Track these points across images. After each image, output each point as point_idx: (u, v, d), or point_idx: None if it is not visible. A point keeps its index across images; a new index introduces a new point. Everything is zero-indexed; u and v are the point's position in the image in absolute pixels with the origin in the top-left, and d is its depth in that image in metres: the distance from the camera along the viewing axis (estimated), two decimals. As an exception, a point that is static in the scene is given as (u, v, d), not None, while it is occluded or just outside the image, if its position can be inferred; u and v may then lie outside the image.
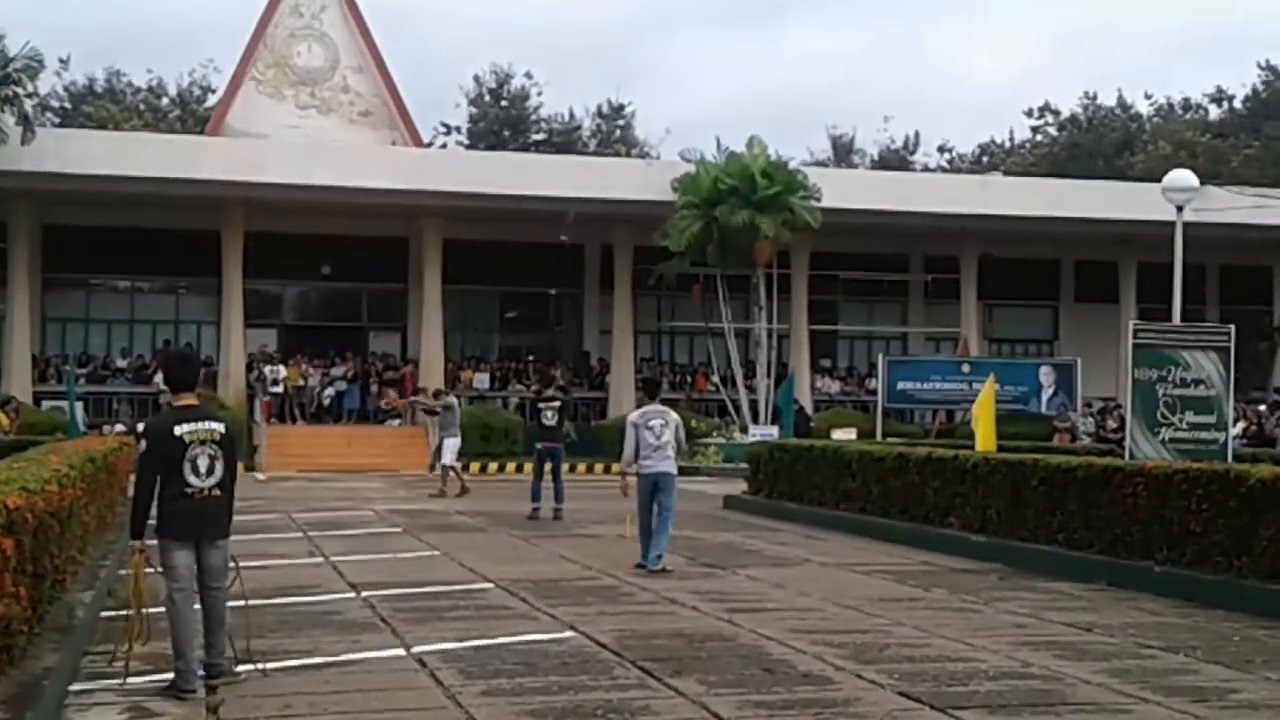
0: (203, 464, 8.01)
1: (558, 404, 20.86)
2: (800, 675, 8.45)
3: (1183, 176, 24.65)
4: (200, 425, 8.07)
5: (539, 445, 20.62)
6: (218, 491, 8.09)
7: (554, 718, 7.24)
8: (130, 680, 8.00)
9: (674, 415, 14.48)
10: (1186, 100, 67.29)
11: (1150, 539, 12.85)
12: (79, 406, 28.76)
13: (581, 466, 30.80)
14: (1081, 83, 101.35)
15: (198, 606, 8.15)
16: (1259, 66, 64.24)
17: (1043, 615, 11.07)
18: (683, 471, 30.43)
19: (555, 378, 27.87)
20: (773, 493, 21.78)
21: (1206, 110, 66.36)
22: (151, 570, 8.11)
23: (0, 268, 35.55)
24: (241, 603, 8.61)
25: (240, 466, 8.54)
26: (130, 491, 8.48)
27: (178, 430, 8.01)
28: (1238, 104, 65.23)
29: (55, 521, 8.99)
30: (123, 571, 12.26)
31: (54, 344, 38.41)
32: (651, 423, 14.16)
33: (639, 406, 15.13)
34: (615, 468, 15.50)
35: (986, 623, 10.69)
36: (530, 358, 40.72)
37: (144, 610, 8.25)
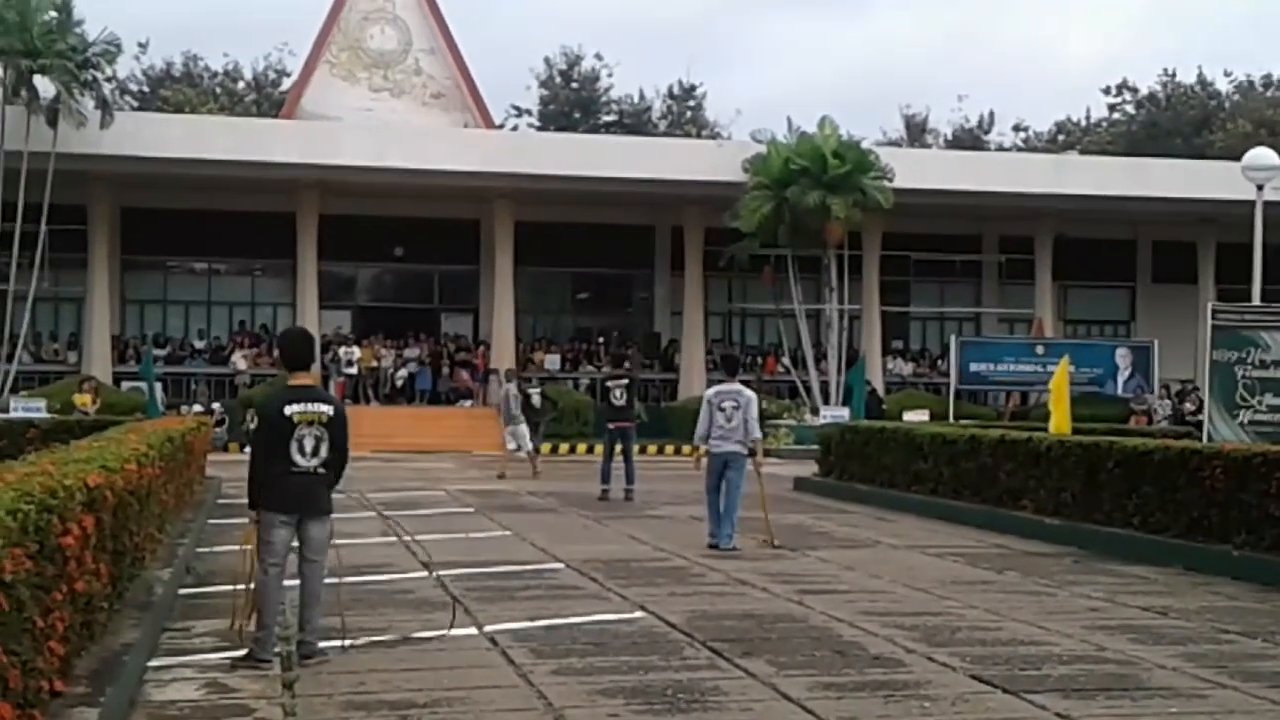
0: (309, 444, 8.17)
1: (626, 382, 20.83)
2: (871, 657, 8.43)
3: (1264, 155, 24.31)
4: (310, 407, 8.24)
5: (609, 425, 20.62)
6: (322, 470, 8.25)
7: (624, 697, 7.26)
8: (208, 657, 8.12)
9: (749, 394, 14.46)
10: (1268, 77, 66.11)
11: (1228, 523, 12.71)
12: (158, 387, 29.18)
13: (652, 448, 30.86)
14: (1163, 60, 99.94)
15: (286, 583, 8.27)
16: (1343, 41, 63.21)
17: (1118, 599, 10.97)
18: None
19: (626, 357, 27.85)
20: (843, 474, 21.72)
21: (1289, 87, 65.22)
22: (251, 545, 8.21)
23: (80, 250, 36.05)
24: (334, 580, 8.73)
25: (349, 450, 8.61)
26: (219, 470, 8.56)
27: (288, 410, 8.18)
28: (1321, 80, 64.12)
29: (134, 500, 9.11)
30: (200, 549, 12.51)
31: (133, 325, 39.00)
32: (724, 404, 14.18)
33: (718, 384, 15.03)
34: (686, 449, 15.50)
35: (1060, 606, 10.61)
36: (601, 339, 40.82)
37: (251, 582, 8.34)
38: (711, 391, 14.62)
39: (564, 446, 31.95)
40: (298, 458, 8.14)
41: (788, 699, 7.26)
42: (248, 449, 8.54)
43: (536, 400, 25.82)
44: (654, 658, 8.34)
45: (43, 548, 5.63)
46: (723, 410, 14.16)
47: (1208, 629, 9.59)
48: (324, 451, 8.23)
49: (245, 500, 8.38)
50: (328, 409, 8.34)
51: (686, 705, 7.11)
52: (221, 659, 8.09)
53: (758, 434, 14.66)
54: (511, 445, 24.27)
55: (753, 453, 14.37)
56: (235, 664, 7.96)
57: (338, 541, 8.70)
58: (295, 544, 8.31)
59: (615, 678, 7.75)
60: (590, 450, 29.83)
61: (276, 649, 8.09)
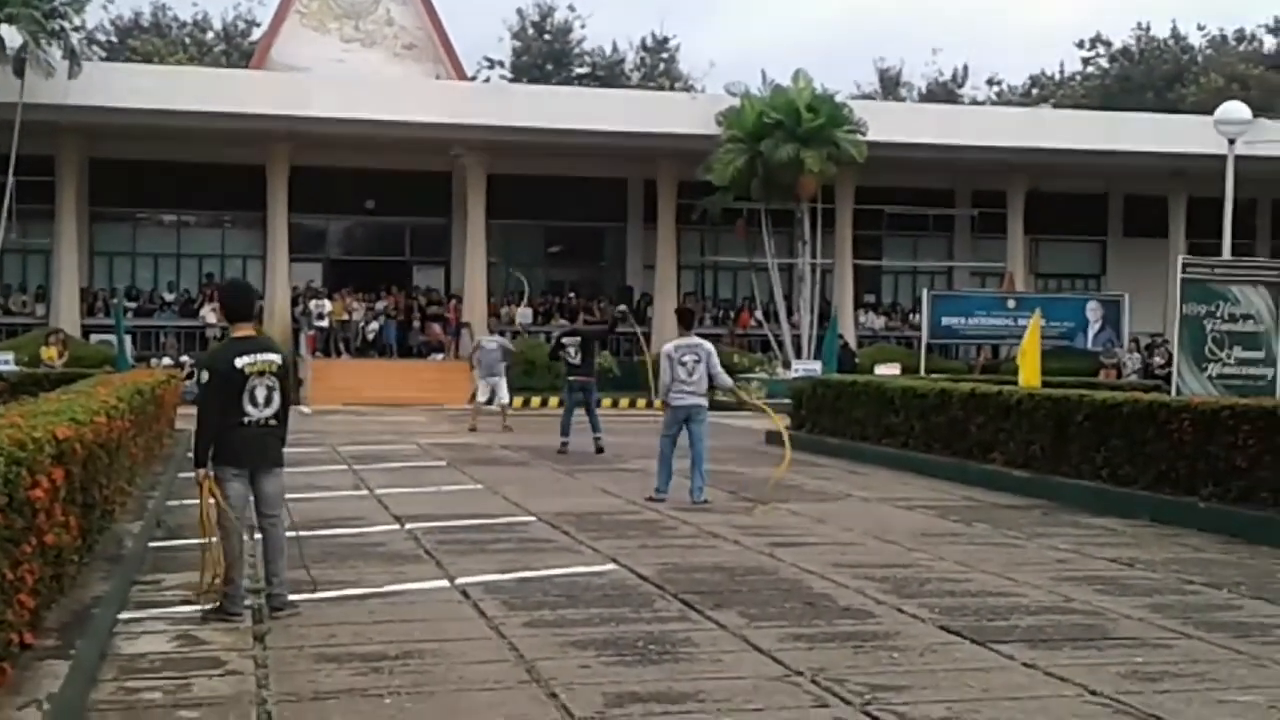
0: (260, 394, 8.08)
1: (578, 340, 20.96)
2: (841, 609, 8.49)
3: (1235, 109, 24.37)
4: (260, 357, 8.13)
5: (570, 380, 20.83)
6: (273, 421, 8.16)
7: (595, 649, 7.29)
8: (178, 609, 8.12)
9: (708, 346, 14.42)
10: (1240, 31, 66.31)
11: (1195, 475, 12.80)
12: (127, 340, 29.03)
13: (625, 401, 30.89)
14: (1137, 14, 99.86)
15: (248, 538, 8.27)
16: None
17: (1085, 550, 11.06)
18: (723, 406, 30.48)
19: (620, 319, 27.46)
20: (815, 428, 21.82)
21: (1261, 41, 65.34)
22: (214, 500, 8.15)
23: (48, 202, 35.81)
24: (307, 533, 8.72)
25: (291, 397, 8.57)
26: (190, 424, 8.52)
27: (239, 363, 8.06)
28: (1292, 35, 64.25)
29: (104, 453, 9.07)
30: (170, 502, 12.48)
31: (101, 278, 38.74)
32: (684, 358, 14.16)
33: (675, 338, 14.96)
34: (658, 404, 15.49)
35: (1028, 558, 10.69)
36: (573, 293, 40.77)
37: (213, 537, 8.21)
38: (670, 346, 14.55)
39: (535, 400, 31.95)
40: (250, 409, 8.04)
41: (758, 650, 7.30)
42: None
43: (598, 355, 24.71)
44: (625, 610, 8.37)
45: (11, 500, 5.61)
46: (684, 364, 14.13)
47: (1173, 580, 9.67)
48: (275, 401, 8.14)
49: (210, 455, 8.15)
50: (276, 357, 8.24)
51: (658, 656, 7.14)
52: (192, 611, 8.08)
53: (729, 380, 14.71)
54: (483, 398, 24.23)
55: (742, 403, 14.35)
56: (206, 616, 7.96)
57: (310, 495, 8.71)
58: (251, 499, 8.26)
59: (587, 630, 7.77)
60: (561, 404, 29.82)
61: (247, 602, 8.10)
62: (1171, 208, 41.65)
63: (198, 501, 8.23)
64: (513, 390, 26.43)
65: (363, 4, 41.09)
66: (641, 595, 8.87)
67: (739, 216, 37.67)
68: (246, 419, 8.04)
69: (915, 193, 41.64)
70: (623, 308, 33.26)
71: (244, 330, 8.40)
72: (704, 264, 42.36)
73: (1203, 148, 30.14)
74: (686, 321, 15.31)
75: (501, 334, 29.30)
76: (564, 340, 21.43)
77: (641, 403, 31.06)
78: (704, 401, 14.34)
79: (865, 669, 6.88)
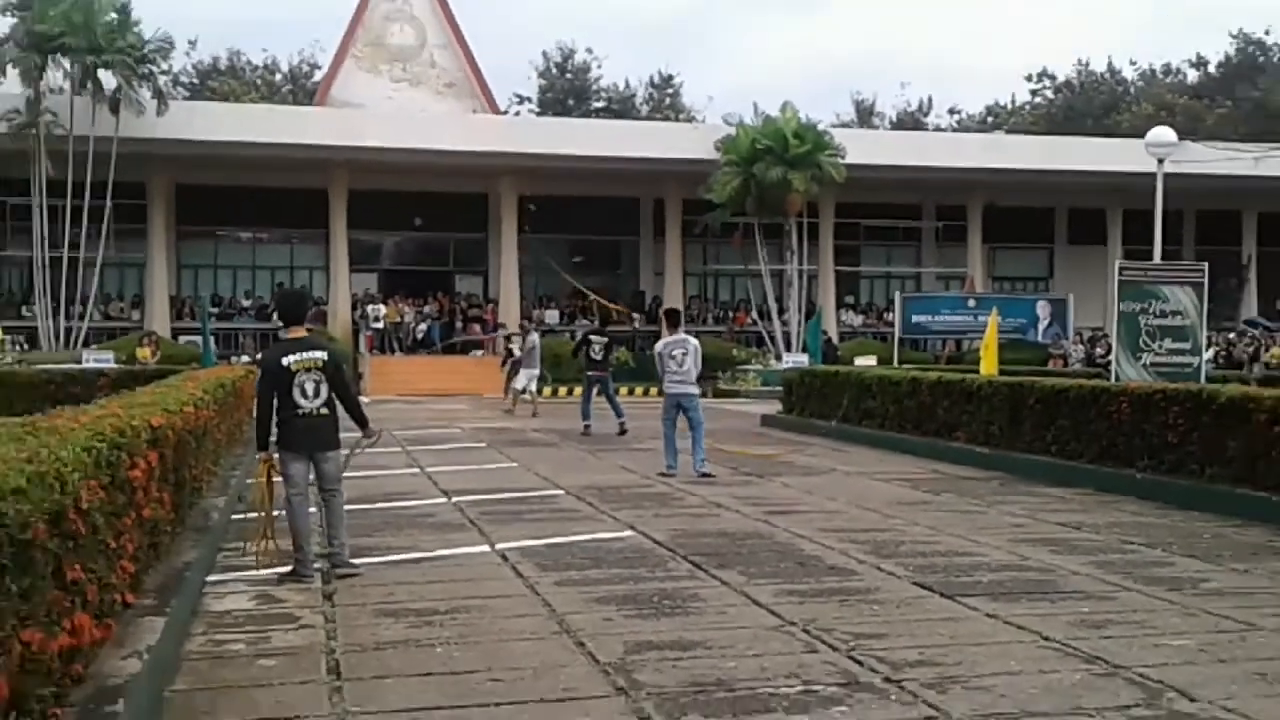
0: (309, 388, 8.06)
1: (605, 340, 21.00)
2: (827, 568, 8.48)
3: (1163, 133, 24.24)
4: (305, 355, 8.11)
5: (589, 374, 20.86)
6: (325, 410, 8.12)
7: (616, 604, 7.29)
8: (260, 572, 8.14)
9: (694, 342, 14.54)
10: (1167, 65, 66.11)
11: (1133, 450, 12.78)
12: (210, 340, 29.09)
13: (639, 389, 30.87)
14: (1078, 52, 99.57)
15: (313, 509, 8.27)
16: (1230, 35, 63.00)
17: (1038, 516, 11.03)
18: (723, 394, 30.40)
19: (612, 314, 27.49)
20: (804, 412, 21.80)
21: (1185, 74, 65.17)
22: (278, 478, 8.22)
23: (141, 222, 35.94)
24: (369, 506, 8.77)
25: (352, 389, 8.59)
26: (254, 410, 8.56)
27: (285, 360, 8.07)
28: (1212, 69, 63.96)
29: (192, 438, 9.10)
30: (250, 480, 12.50)
31: (188, 287, 38.83)
32: (674, 352, 14.25)
33: (665, 338, 14.91)
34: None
35: (989, 523, 10.66)
36: (593, 296, 40.76)
37: (271, 511, 8.32)
38: (661, 344, 14.60)
39: (563, 389, 31.90)
40: (301, 401, 8.03)
41: (757, 604, 7.30)
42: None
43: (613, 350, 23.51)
44: (642, 570, 8.37)
45: (114, 480, 5.63)
46: (674, 358, 14.22)
47: (1115, 541, 9.65)
48: (324, 393, 8.09)
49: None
50: (321, 354, 8.18)
51: (670, 610, 7.14)
52: (270, 574, 8.10)
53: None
54: (520, 385, 24.29)
55: None
56: (282, 579, 7.97)
57: (371, 473, 8.73)
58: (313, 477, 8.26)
59: (609, 587, 7.78)
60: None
61: (316, 565, 8.12)
62: (1109, 219, 41.60)
63: (276, 479, 8.25)
64: (542, 382, 26.49)
65: (409, 49, 41.08)
66: (656, 557, 8.87)
67: (735, 230, 37.66)
68: (300, 410, 8.03)
69: (888, 208, 41.57)
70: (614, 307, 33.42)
71: (296, 332, 8.40)
72: (706, 271, 42.32)
73: (1135, 167, 30.00)
74: (674, 321, 15.36)
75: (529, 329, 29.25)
76: (591, 338, 21.40)
77: (655, 390, 31.02)
78: (694, 389, 14.40)
79: (849, 619, 6.88)
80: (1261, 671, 5.87)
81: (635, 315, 39.18)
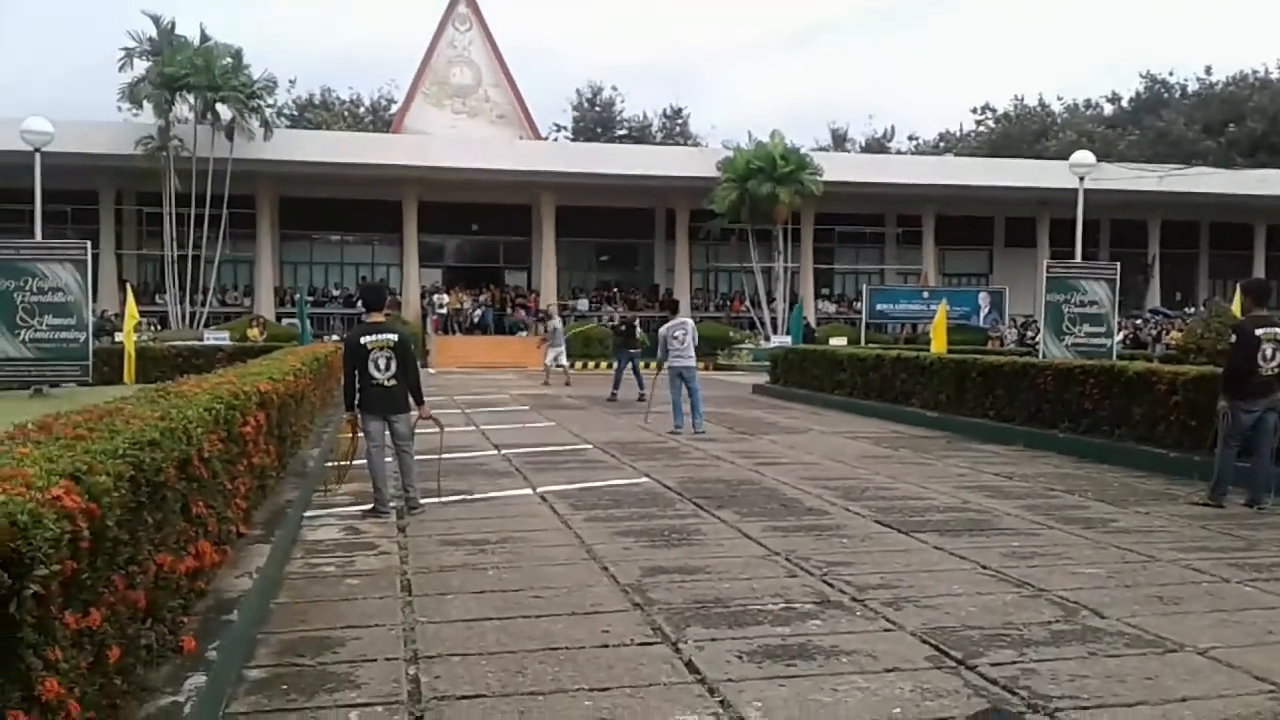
0: (382, 363, 8.04)
1: (624, 324, 21.02)
2: (806, 509, 8.48)
3: (1084, 155, 24.06)
4: (379, 336, 8.09)
5: (620, 350, 20.68)
6: (394, 381, 8.06)
7: (634, 536, 7.30)
8: (344, 509, 8.19)
9: (691, 324, 14.50)
10: (1088, 100, 65.54)
11: (1056, 414, 12.74)
12: (308, 322, 29.17)
13: (653, 364, 30.77)
14: (1012, 88, 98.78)
15: (389, 459, 8.31)
16: (1140, 75, 62.45)
17: (978, 467, 11.01)
18: (721, 367, 30.25)
19: (675, 304, 27.29)
20: (787, 382, 21.76)
21: (1102, 107, 64.61)
22: (360, 435, 8.27)
23: (250, 227, 36.07)
24: (433, 457, 8.83)
25: (418, 365, 8.59)
26: (342, 380, 8.58)
27: (363, 340, 8.07)
28: (1125, 103, 63.46)
29: (292, 400, 9.14)
30: (341, 435, 12.55)
31: (289, 279, 38.95)
32: (677, 333, 14.18)
33: (668, 321, 14.64)
34: (653, 365, 15.42)
35: (937, 473, 10.64)
36: (616, 289, 40.77)
37: (349, 461, 8.37)
38: (665, 328, 14.45)
39: (592, 364, 31.92)
40: (375, 374, 8.00)
41: (748, 537, 7.31)
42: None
43: (639, 333, 22.40)
44: (655, 509, 8.38)
45: (230, 434, 5.67)
46: (676, 338, 14.15)
47: (1040, 488, 9.62)
48: (394, 368, 8.04)
49: None
50: (393, 336, 8.12)
51: (678, 541, 7.16)
52: (355, 511, 8.14)
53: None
54: (549, 360, 24.20)
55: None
56: (365, 515, 8.01)
57: (434, 430, 8.76)
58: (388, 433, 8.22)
59: (629, 523, 7.79)
60: (610, 366, 29.77)
61: (392, 504, 8.16)
62: (1039, 226, 41.35)
63: (360, 435, 8.30)
64: (573, 357, 26.43)
65: (468, 87, 40.95)
66: (666, 499, 8.88)
67: (733, 234, 37.61)
68: (374, 381, 8.02)
69: (857, 217, 41.41)
70: (630, 308, 33.40)
71: (374, 318, 8.36)
72: (708, 268, 42.25)
73: (1061, 184, 29.80)
74: (673, 308, 15.39)
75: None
76: (619, 325, 21.40)
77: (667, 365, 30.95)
78: (693, 362, 14.35)
79: (823, 551, 6.88)
80: (1159, 595, 5.85)
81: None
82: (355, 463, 8.65)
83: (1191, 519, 8.14)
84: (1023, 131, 61.79)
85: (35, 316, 17.00)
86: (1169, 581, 6.15)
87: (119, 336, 24.50)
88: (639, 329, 21.46)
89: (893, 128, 68.28)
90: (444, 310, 36.78)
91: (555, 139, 59.07)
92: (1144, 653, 4.83)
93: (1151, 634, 5.10)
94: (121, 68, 32.77)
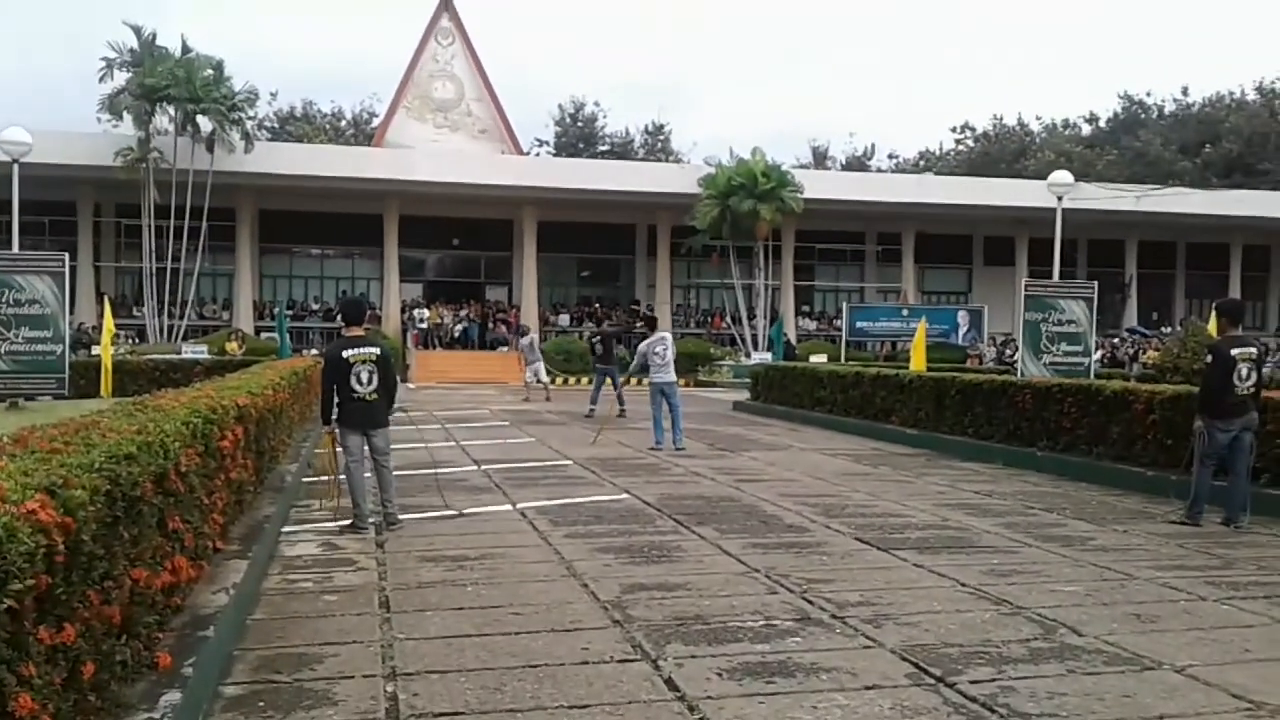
0: (364, 377, 8.04)
1: (599, 339, 20.94)
2: (785, 525, 8.48)
3: (1062, 175, 24.21)
4: (361, 350, 8.10)
5: (598, 366, 20.66)
6: (375, 395, 8.09)
7: (614, 553, 7.29)
8: (322, 524, 8.15)
9: (670, 338, 14.55)
10: (1066, 120, 66.15)
11: (1034, 432, 12.80)
12: (287, 336, 29.01)
13: (634, 381, 30.76)
14: (992, 107, 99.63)
15: (368, 474, 8.27)
16: (1118, 96, 63.14)
17: (957, 485, 11.05)
18: (702, 384, 30.31)
19: (652, 319, 27.35)
20: (768, 399, 21.79)
21: (1080, 128, 65.19)
22: (339, 449, 8.23)
23: (230, 240, 35.88)
24: (413, 472, 8.77)
25: (397, 379, 8.57)
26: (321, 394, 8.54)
27: (345, 354, 8.06)
28: (1102, 124, 64.07)
29: (271, 415, 9.09)
30: (318, 450, 12.49)
31: (268, 292, 38.77)
32: (658, 348, 14.22)
33: (647, 338, 14.70)
34: (646, 381, 15.42)
35: (917, 490, 10.67)
36: (598, 304, 40.77)
37: (337, 475, 8.35)
38: (645, 344, 14.49)
39: (572, 379, 31.88)
40: (357, 388, 8.00)
41: (728, 554, 7.30)
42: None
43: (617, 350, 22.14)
44: (635, 526, 8.37)
45: (207, 448, 5.63)
46: (658, 354, 14.20)
47: (1019, 506, 9.66)
48: (375, 382, 8.06)
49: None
50: (375, 350, 8.15)
51: (658, 558, 7.15)
52: (333, 526, 8.10)
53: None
54: (529, 377, 24.22)
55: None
56: (343, 530, 7.98)
57: (415, 445, 8.71)
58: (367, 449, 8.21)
59: (608, 539, 7.78)
60: (590, 382, 29.73)
61: (371, 520, 8.12)
62: (1017, 245, 41.61)
63: (338, 450, 8.25)
64: (552, 373, 26.35)
65: (450, 101, 40.99)
66: (646, 516, 8.87)
67: (714, 251, 37.62)
68: (355, 394, 8.01)
69: (837, 234, 41.57)
70: (612, 316, 33.37)
71: (354, 331, 8.36)
72: (689, 284, 42.30)
73: (1039, 203, 30.04)
74: (652, 325, 15.43)
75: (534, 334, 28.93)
76: (593, 340, 21.34)
77: (647, 382, 30.96)
78: (674, 378, 14.38)
79: (803, 568, 6.88)
80: (1137, 612, 5.88)
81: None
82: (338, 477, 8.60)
83: (1169, 537, 8.19)
84: (1002, 151, 62.33)
85: (11, 329, 16.84)
86: (1146, 599, 6.18)
87: (96, 349, 24.32)
88: (618, 344, 21.39)
89: (873, 146, 69.11)
90: (424, 325, 36.71)
91: (537, 154, 59.12)
92: (1122, 670, 4.85)
93: (1129, 652, 5.12)
94: (102, 78, 32.64)
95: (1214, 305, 9.94)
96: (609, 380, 20.08)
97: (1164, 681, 4.71)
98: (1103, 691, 4.56)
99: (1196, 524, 8.63)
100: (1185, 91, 61.39)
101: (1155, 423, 10.82)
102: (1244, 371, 8.63)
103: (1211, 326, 11.11)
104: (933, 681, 4.65)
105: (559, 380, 29.45)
